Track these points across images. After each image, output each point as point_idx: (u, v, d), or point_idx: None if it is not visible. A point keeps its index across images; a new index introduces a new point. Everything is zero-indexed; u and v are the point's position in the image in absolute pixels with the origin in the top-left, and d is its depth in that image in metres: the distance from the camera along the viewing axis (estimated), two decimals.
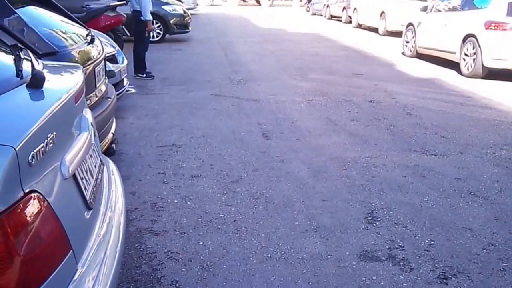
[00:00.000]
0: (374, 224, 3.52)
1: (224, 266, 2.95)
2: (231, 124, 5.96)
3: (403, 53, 12.34)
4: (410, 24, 12.00)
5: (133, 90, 7.62)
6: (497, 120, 6.41)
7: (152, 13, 8.73)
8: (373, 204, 3.84)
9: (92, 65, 3.76)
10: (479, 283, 2.85)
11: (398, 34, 14.25)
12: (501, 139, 5.60)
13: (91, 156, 2.15)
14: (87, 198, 1.90)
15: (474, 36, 9.20)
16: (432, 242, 3.29)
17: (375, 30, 17.78)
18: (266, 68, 10.05)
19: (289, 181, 4.25)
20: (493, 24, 8.87)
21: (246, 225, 3.45)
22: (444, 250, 3.20)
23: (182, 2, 18.55)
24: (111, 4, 9.67)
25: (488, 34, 8.91)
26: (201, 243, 3.21)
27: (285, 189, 4.09)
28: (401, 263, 3.03)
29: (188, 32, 14.65)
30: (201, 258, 3.04)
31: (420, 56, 11.62)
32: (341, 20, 23.08)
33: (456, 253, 3.16)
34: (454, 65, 10.04)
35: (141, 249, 3.14)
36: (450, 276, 2.90)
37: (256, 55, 11.87)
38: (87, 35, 4.07)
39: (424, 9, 11.74)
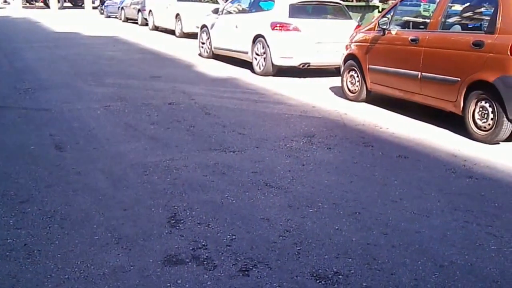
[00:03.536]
0: (178, 227, 3.51)
1: None
2: (18, 138, 5.47)
3: (200, 55, 12.64)
4: (204, 26, 12.33)
5: None
6: (287, 114, 6.92)
7: None
8: (175, 207, 3.83)
9: None
10: (277, 269, 3.01)
11: (194, 35, 14.57)
12: (291, 131, 6.05)
13: None
14: None
15: (263, 37, 9.82)
16: (234, 237, 3.39)
17: (172, 32, 17.94)
18: (58, 75, 9.47)
19: (87, 194, 4.04)
20: (278, 25, 9.57)
21: (39, 248, 3.18)
22: (244, 242, 3.32)
23: None
24: None
25: (274, 34, 9.60)
26: None
27: (82, 203, 3.87)
28: (205, 262, 3.07)
29: None
30: None
31: (216, 57, 12.02)
32: (137, 23, 22.84)
33: (255, 244, 3.30)
34: (247, 65, 10.60)
35: None
36: (251, 267, 3.02)
37: (46, 62, 11.11)
38: None
39: (216, 11, 12.15)
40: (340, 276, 2.95)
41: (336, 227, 3.57)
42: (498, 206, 4.02)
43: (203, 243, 3.30)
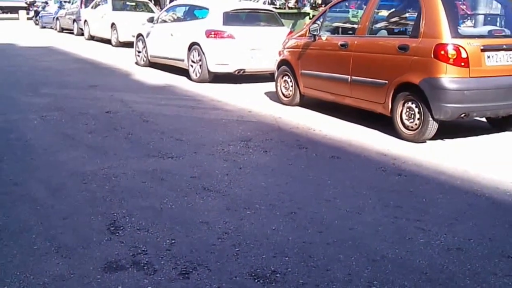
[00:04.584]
0: (117, 234, 3.55)
1: None
2: None
3: (136, 63, 12.56)
4: (140, 34, 12.27)
5: None
6: (225, 119, 7.05)
7: None
8: (115, 214, 3.86)
9: None
10: (217, 271, 3.10)
11: (130, 44, 14.43)
12: (228, 136, 6.17)
13: None
14: None
15: (198, 44, 9.92)
16: (173, 241, 3.46)
17: (108, 41, 17.70)
18: None
19: (26, 204, 4.00)
20: (212, 33, 9.70)
21: None
22: (184, 246, 3.39)
23: None
24: None
25: (209, 42, 9.73)
26: None
27: (20, 214, 3.83)
28: (145, 267, 3.12)
29: None
30: None
31: (153, 65, 11.99)
32: (73, 33, 22.37)
33: (195, 247, 3.38)
34: (184, 72, 10.65)
35: None
36: (191, 270, 3.09)
37: None
38: None
39: (151, 20, 12.13)
40: (278, 275, 3.06)
41: (273, 228, 3.70)
42: (425, 201, 4.27)
43: (143, 249, 3.35)
